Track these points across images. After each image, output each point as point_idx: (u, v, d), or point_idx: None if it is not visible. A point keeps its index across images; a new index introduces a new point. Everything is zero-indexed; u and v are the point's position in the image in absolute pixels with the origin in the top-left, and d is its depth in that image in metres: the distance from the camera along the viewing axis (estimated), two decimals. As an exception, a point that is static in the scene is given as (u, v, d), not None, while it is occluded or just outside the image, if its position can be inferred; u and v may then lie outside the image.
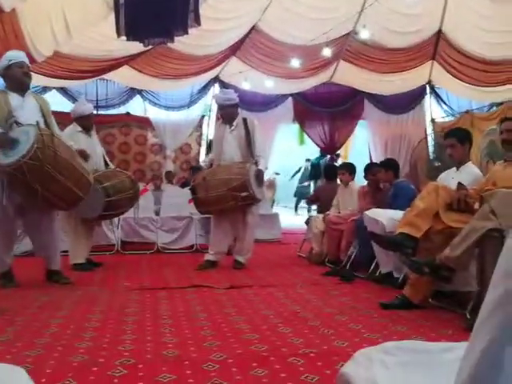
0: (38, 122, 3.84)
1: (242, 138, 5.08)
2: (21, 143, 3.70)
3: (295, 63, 8.27)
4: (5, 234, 4.07)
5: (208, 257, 5.14)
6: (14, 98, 4.03)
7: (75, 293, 3.80)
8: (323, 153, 10.83)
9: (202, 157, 9.55)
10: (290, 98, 10.24)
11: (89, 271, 4.88)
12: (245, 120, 5.18)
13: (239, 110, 5.37)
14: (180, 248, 6.63)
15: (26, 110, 4.01)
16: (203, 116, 9.96)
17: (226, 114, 5.19)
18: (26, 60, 4.27)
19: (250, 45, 8.42)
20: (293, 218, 11.71)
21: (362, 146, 11.57)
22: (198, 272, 4.86)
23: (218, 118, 8.58)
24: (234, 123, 5.13)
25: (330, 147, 10.57)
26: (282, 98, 10.17)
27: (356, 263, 4.66)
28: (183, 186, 8.12)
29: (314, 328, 2.79)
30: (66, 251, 5.17)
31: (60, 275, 4.25)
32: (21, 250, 5.43)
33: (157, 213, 6.96)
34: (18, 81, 4.09)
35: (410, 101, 10.19)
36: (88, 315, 3.06)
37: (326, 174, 6.52)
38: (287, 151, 14.36)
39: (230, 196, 4.82)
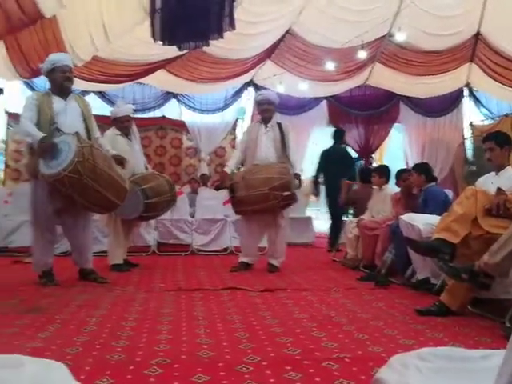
0: (78, 133, 3.96)
1: (277, 140, 5.11)
2: (62, 154, 3.82)
3: (330, 66, 8.24)
4: (45, 236, 4.22)
5: (242, 259, 5.17)
6: (56, 102, 4.16)
7: (113, 292, 3.88)
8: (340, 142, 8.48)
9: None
10: (324, 101, 10.19)
11: (126, 272, 4.98)
12: (279, 124, 5.22)
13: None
14: (214, 250, 6.70)
15: (67, 114, 4.14)
16: (237, 119, 10.02)
17: (265, 112, 5.23)
18: (70, 63, 4.39)
19: (285, 48, 8.43)
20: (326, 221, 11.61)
21: (396, 150, 11.41)
22: (233, 274, 4.90)
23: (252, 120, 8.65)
24: (270, 125, 5.18)
25: (365, 150, 10.46)
26: (316, 101, 10.13)
27: (391, 268, 4.59)
28: (217, 188, 8.19)
29: (349, 333, 2.77)
30: (105, 251, 5.30)
31: (95, 274, 4.37)
32: (60, 250, 5.59)
33: (192, 215, 7.05)
34: (60, 85, 4.23)
35: (447, 104, 9.99)
36: (125, 315, 3.13)
37: (361, 177, 6.47)
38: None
39: (272, 195, 4.82)
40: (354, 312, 3.32)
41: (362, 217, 5.55)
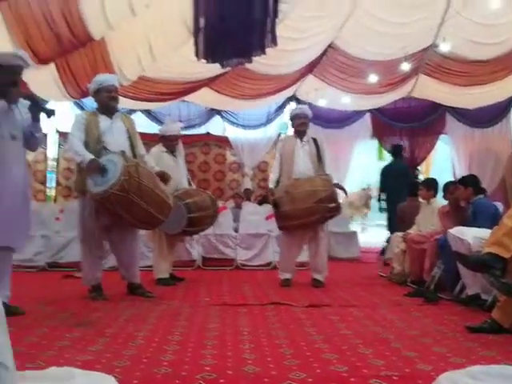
0: (124, 152, 4.08)
1: (314, 154, 5.14)
2: (109, 172, 3.94)
3: (373, 79, 8.19)
4: (93, 251, 4.34)
5: (285, 275, 5.15)
6: (103, 121, 4.30)
7: (159, 307, 3.94)
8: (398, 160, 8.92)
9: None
10: (367, 114, 10.11)
11: (172, 286, 5.05)
12: (314, 138, 5.27)
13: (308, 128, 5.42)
14: (258, 265, 6.70)
15: (114, 133, 4.27)
16: (280, 134, 10.06)
17: (300, 126, 5.25)
18: (116, 82, 4.52)
19: (327, 62, 8.43)
20: (371, 235, 11.47)
21: (444, 162, 11.15)
22: (277, 289, 4.89)
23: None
24: (305, 138, 5.21)
25: (411, 163, 10.27)
26: (359, 114, 10.06)
27: (440, 284, 4.46)
28: (260, 203, 8.23)
29: (396, 350, 2.71)
30: (151, 266, 5.40)
31: (143, 289, 4.44)
32: (109, 264, 5.72)
33: (236, 230, 7.10)
34: (105, 105, 4.37)
35: (495, 114, 9.70)
36: (171, 329, 3.16)
37: (409, 191, 6.37)
38: (366, 167, 14.14)
39: (317, 208, 4.80)
40: (402, 329, 3.24)
41: (408, 231, 5.44)
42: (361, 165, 11.89)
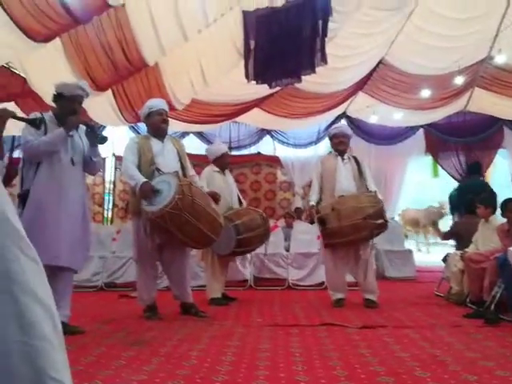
0: (177, 172, 4.19)
1: (355, 172, 5.14)
2: (163, 192, 4.04)
3: (425, 94, 8.05)
4: (148, 271, 4.44)
5: (337, 295, 5.07)
6: (155, 143, 4.44)
7: (212, 327, 3.97)
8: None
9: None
10: (420, 130, 9.92)
11: (224, 306, 5.08)
12: (354, 156, 5.29)
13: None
14: (310, 285, 6.63)
15: (165, 155, 4.41)
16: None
17: (340, 145, 5.25)
18: (166, 107, 4.67)
19: (378, 78, 8.37)
20: (426, 255, 11.12)
21: (503, 178, 10.73)
22: (329, 309, 4.82)
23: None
24: (346, 156, 5.22)
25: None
26: (412, 130, 9.89)
27: (501, 304, 4.26)
28: (312, 222, 8.17)
29: (455, 373, 2.60)
30: (204, 286, 5.45)
31: (196, 308, 4.48)
32: (164, 284, 5.83)
33: (287, 249, 7.07)
34: (157, 127, 4.51)
35: (558, 126, 9.31)
36: (223, 349, 3.17)
37: (466, 208, 6.15)
38: (420, 184, 13.83)
39: (365, 224, 4.74)
40: (461, 351, 3.11)
41: (466, 250, 5.24)
42: (414, 182, 11.63)
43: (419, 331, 3.72)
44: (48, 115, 3.72)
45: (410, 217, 12.69)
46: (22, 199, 3.50)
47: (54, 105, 3.82)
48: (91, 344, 3.35)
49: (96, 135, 3.82)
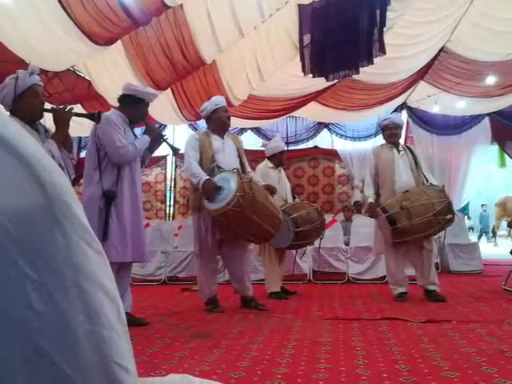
0: (238, 170, 4.24)
1: (412, 163, 5.00)
2: (224, 190, 4.12)
3: (490, 81, 7.72)
4: (208, 265, 4.53)
5: (399, 289, 4.97)
6: (215, 140, 4.51)
7: (271, 320, 4.00)
8: None
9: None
10: (486, 118, 9.52)
11: (283, 299, 5.10)
12: (408, 147, 5.17)
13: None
14: (371, 279, 6.54)
15: (225, 152, 4.48)
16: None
17: (393, 136, 5.12)
18: (226, 104, 4.77)
19: (439, 67, 8.10)
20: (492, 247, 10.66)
21: None
22: (391, 303, 4.73)
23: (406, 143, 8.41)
24: (401, 148, 5.09)
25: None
26: (476, 119, 9.51)
27: None
28: (372, 216, 8.04)
29: (525, 371, 2.50)
30: (263, 280, 5.50)
31: (256, 302, 4.53)
32: (224, 278, 5.93)
33: (346, 243, 7.01)
34: (223, 123, 4.58)
35: None
36: (284, 342, 3.19)
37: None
38: (486, 175, 13.27)
39: (436, 221, 4.65)
40: (532, 348, 2.98)
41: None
42: (480, 172, 11.15)
43: (486, 326, 3.59)
44: (117, 114, 3.86)
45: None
46: (107, 199, 3.66)
47: (117, 105, 3.96)
48: (155, 335, 3.46)
49: (170, 146, 4.25)
